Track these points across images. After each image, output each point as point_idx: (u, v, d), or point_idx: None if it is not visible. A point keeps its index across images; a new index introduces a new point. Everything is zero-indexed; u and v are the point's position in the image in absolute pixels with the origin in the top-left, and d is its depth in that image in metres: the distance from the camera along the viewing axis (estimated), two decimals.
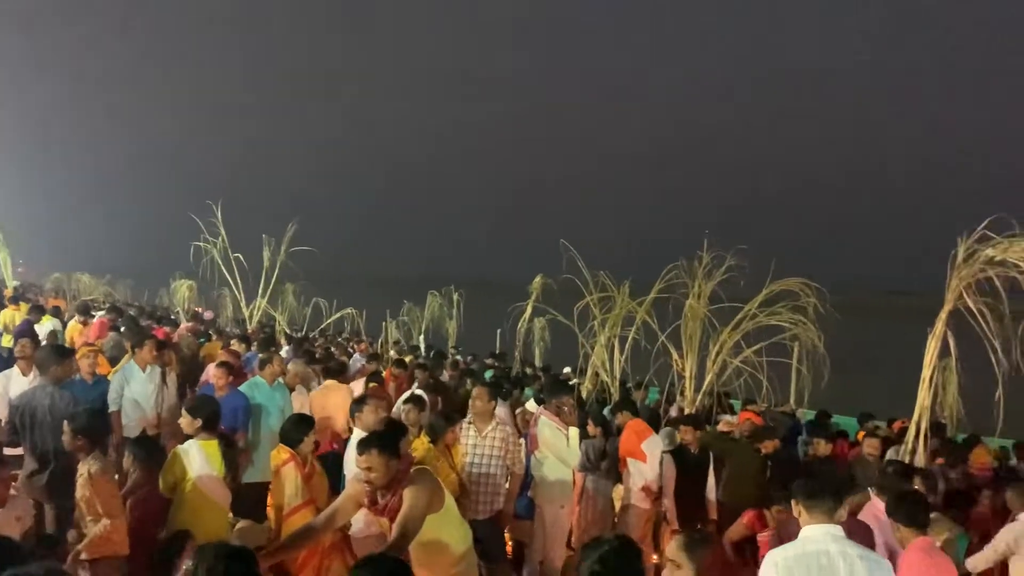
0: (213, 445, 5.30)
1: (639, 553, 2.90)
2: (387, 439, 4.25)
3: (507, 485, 6.25)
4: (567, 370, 14.76)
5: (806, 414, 12.73)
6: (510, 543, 6.88)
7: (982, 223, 7.40)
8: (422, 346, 20.31)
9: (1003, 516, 6.43)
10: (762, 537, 5.95)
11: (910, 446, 7.85)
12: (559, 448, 6.37)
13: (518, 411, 8.77)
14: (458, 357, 16.61)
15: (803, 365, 12.71)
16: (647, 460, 6.78)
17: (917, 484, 5.81)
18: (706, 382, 9.58)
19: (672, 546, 3.30)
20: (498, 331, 18.99)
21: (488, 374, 13.65)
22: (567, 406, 6.47)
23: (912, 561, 4.08)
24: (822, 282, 9.51)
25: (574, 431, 6.42)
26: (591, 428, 7.66)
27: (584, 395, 10.87)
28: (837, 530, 3.67)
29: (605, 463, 7.07)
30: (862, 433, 9.68)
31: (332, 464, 6.21)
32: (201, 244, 16.97)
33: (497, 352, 18.22)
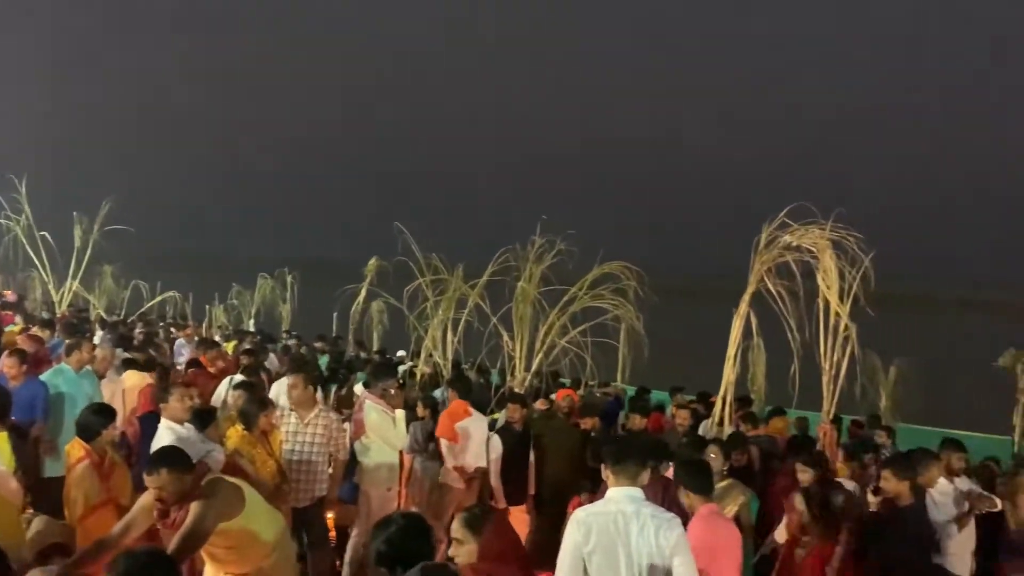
0: (3, 438, 4.90)
1: (427, 530, 2.94)
2: (175, 456, 4.08)
3: (330, 471, 6.18)
4: (401, 353, 14.72)
5: (628, 391, 13.34)
6: (334, 529, 6.81)
7: (784, 211, 8.04)
8: (251, 330, 19.61)
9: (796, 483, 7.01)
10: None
11: (717, 418, 8.42)
12: (385, 432, 6.36)
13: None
14: (290, 342, 16.14)
15: (625, 345, 13.39)
16: (460, 441, 6.88)
17: (714, 454, 6.19)
18: (535, 362, 9.83)
19: (455, 523, 3.38)
20: (334, 315, 18.66)
21: (323, 360, 13.38)
22: (392, 389, 6.46)
23: (697, 526, 4.34)
24: (643, 266, 9.98)
25: (400, 413, 6.43)
26: (420, 410, 7.70)
27: (418, 377, 10.91)
28: (637, 492, 3.90)
29: (433, 445, 7.12)
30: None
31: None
32: (2, 221, 15.68)
33: (334, 336, 17.89)
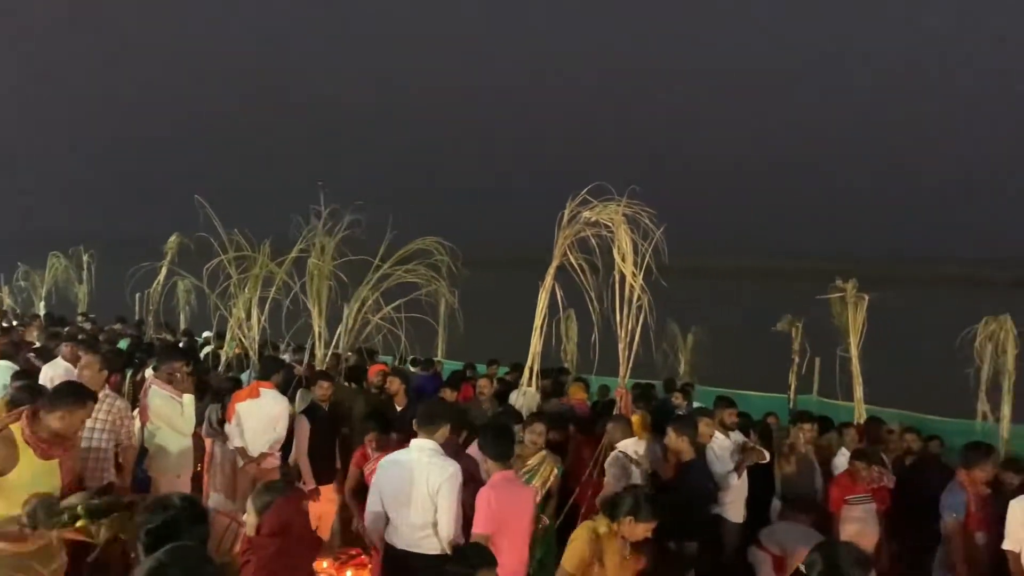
0: None
1: (203, 514, 2.88)
2: None
3: (119, 458, 5.86)
4: (207, 334, 14.07)
5: (444, 365, 13.50)
6: None
7: (586, 189, 8.37)
8: (41, 313, 18.05)
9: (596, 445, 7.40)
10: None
11: (524, 388, 8.70)
12: (172, 417, 6.10)
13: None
14: (85, 324, 15.01)
15: (441, 320, 13.51)
16: (238, 421, 6.73)
17: (539, 432, 6.37)
18: (347, 340, 9.70)
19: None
20: (137, 295, 17.52)
21: (123, 343, 12.56)
22: (180, 372, 6.19)
23: (490, 494, 4.46)
24: (455, 241, 10.08)
25: (188, 398, 6.18)
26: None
27: (224, 359, 10.48)
28: (429, 444, 4.72)
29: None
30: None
31: None
32: None
33: (137, 320, 16.80)
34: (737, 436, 7.05)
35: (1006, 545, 5.54)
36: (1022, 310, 12.56)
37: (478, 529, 4.39)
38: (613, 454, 6.52)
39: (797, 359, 12.25)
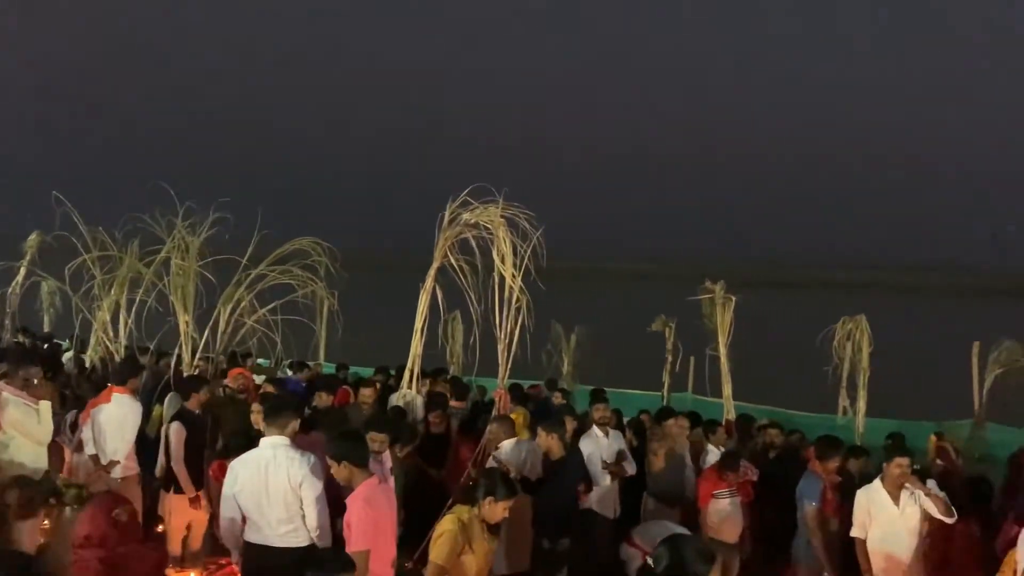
0: None
1: None
2: None
3: None
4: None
5: (324, 367, 13.24)
6: None
7: (467, 190, 8.37)
8: None
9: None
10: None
11: (404, 390, 8.64)
12: (27, 426, 5.73)
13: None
14: None
15: (320, 322, 13.24)
16: (87, 427, 6.44)
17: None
18: (220, 343, 9.36)
19: None
20: None
21: None
22: (36, 378, 5.84)
23: (361, 508, 4.22)
24: (335, 242, 9.89)
25: (45, 404, 5.82)
26: None
27: (88, 364, 9.94)
28: (281, 440, 4.78)
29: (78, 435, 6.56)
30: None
31: None
32: None
33: None
34: (617, 437, 7.24)
35: (853, 532, 5.94)
36: (876, 311, 13.49)
37: (357, 547, 4.12)
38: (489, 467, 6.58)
39: (670, 358, 12.69)
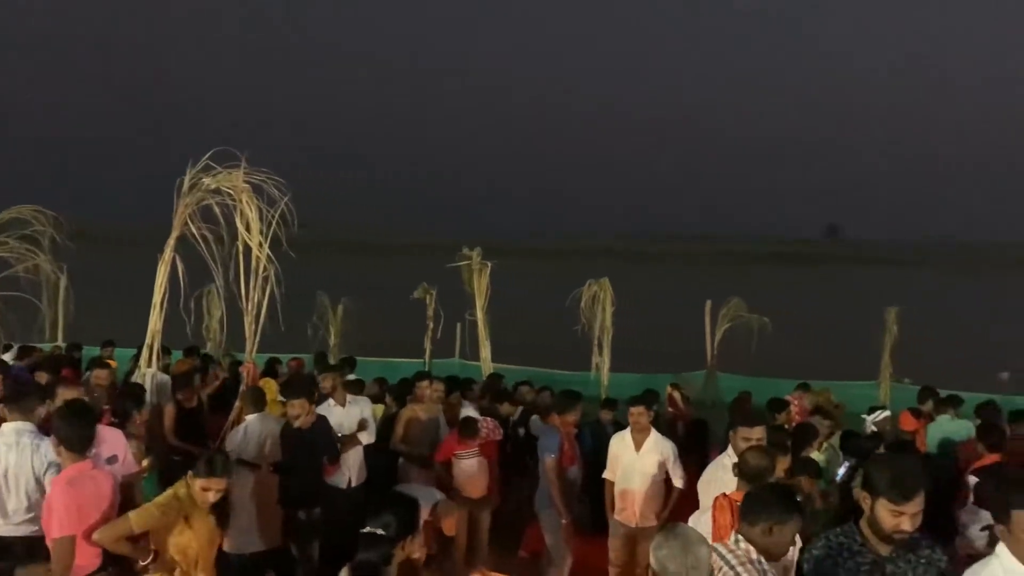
0: None
1: None
2: None
3: None
4: None
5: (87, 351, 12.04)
6: None
7: (208, 154, 7.88)
8: None
9: None
10: None
11: (144, 369, 8.06)
12: None
13: None
14: None
15: (54, 300, 12.03)
16: None
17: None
18: None
19: None
20: None
21: None
22: None
23: (65, 493, 3.92)
24: (57, 210, 9.01)
25: None
26: None
27: None
28: (25, 425, 4.62)
29: None
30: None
31: None
32: None
33: None
34: (362, 403, 7.26)
35: (604, 474, 6.48)
36: (618, 275, 14.54)
37: (61, 532, 3.85)
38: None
39: (431, 324, 12.89)
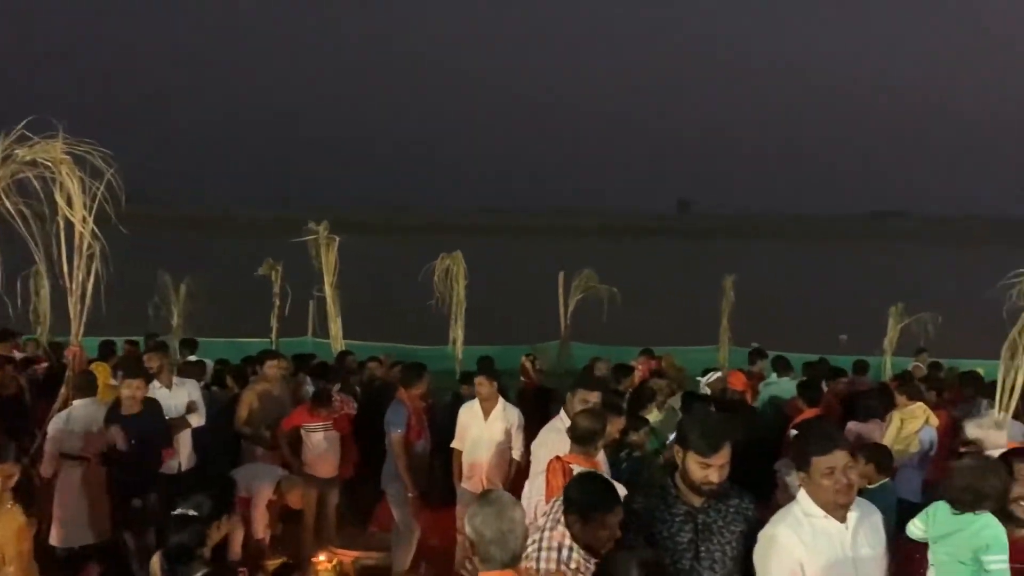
0: None
1: None
2: None
3: None
4: None
5: None
6: None
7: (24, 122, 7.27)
8: None
9: None
10: None
11: None
12: None
13: None
14: None
15: None
16: None
17: None
18: None
19: None
20: None
21: None
22: None
23: None
24: None
25: None
26: None
27: None
28: None
29: None
30: None
31: None
32: None
33: None
34: (190, 385, 7.03)
35: (453, 444, 6.56)
36: (475, 249, 14.64)
37: None
38: None
39: (278, 302, 12.52)
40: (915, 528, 3.11)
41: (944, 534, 3.03)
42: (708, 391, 8.60)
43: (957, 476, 3.10)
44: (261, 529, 5.78)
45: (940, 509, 3.08)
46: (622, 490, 3.43)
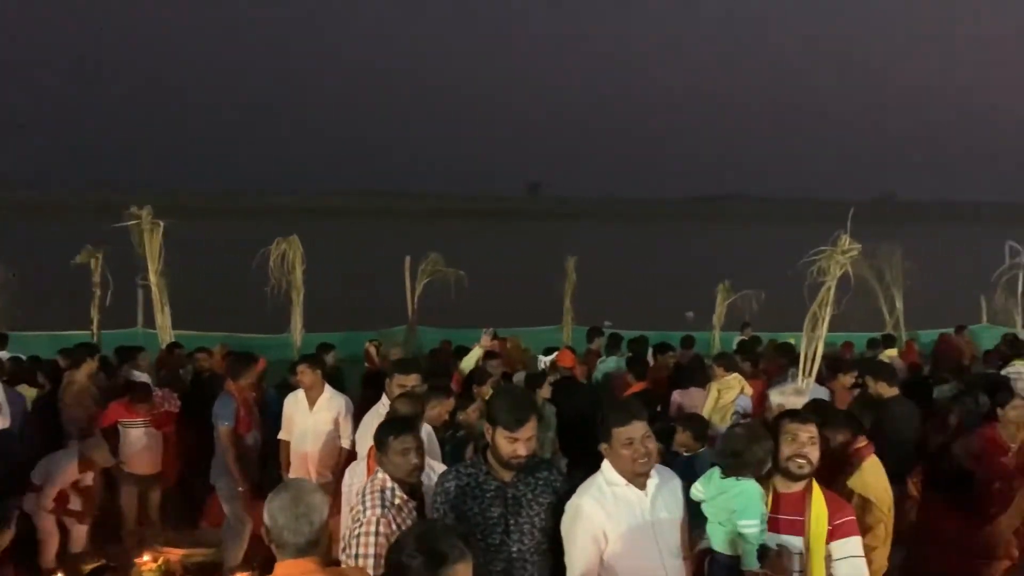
0: None
1: None
2: None
3: None
4: None
5: None
6: None
7: None
8: None
9: None
10: None
11: None
12: None
13: None
14: None
15: None
16: None
17: None
18: None
19: None
20: None
21: None
22: None
23: None
24: None
25: None
26: None
27: None
28: None
29: None
30: None
31: None
32: None
33: None
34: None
35: (280, 435, 6.40)
36: (315, 233, 14.24)
37: None
38: None
39: (99, 292, 11.71)
40: (696, 491, 3.32)
41: (712, 496, 3.25)
42: (545, 368, 8.84)
43: (725, 442, 3.33)
44: (49, 503, 5.75)
45: (715, 473, 3.30)
46: (441, 467, 3.48)
